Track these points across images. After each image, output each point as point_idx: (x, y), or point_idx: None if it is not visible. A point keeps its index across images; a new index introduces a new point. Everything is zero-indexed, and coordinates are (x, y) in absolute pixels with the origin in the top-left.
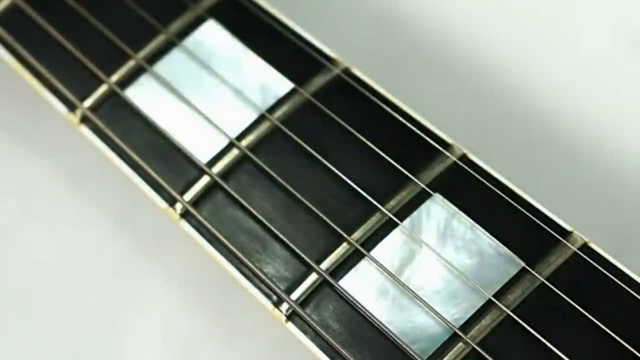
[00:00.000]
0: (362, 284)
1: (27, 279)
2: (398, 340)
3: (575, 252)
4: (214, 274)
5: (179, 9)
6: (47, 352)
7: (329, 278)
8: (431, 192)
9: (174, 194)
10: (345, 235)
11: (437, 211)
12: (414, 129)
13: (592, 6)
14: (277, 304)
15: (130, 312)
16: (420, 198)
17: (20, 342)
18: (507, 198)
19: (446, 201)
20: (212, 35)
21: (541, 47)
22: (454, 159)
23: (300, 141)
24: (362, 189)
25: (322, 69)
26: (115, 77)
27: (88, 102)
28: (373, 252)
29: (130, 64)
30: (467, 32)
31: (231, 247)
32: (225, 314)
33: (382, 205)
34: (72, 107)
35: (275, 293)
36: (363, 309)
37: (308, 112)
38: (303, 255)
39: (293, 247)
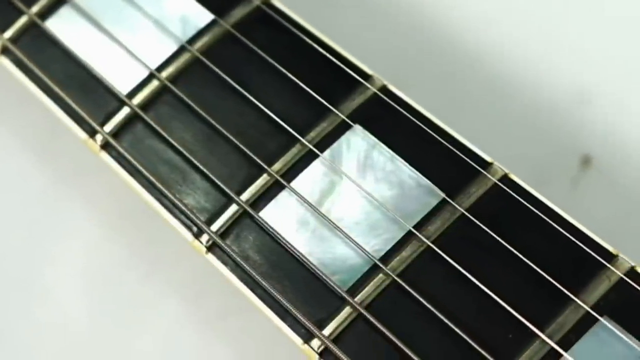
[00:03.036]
0: (282, 216)
1: None
2: (318, 272)
3: (496, 184)
4: (134, 205)
5: None
6: None
7: (249, 209)
8: (351, 123)
9: (94, 125)
10: (266, 167)
11: (357, 142)
12: (335, 60)
13: None
14: (197, 235)
15: (51, 243)
16: (341, 129)
17: None
18: (427, 129)
19: (366, 132)
20: None
21: None
22: (374, 90)
23: (220, 72)
24: (282, 120)
25: (242, 0)
26: (35, 9)
27: (8, 33)
28: (293, 184)
29: None
30: None
31: (151, 178)
32: (146, 246)
33: (303, 137)
34: None
35: (195, 224)
36: (283, 240)
37: (228, 44)
38: (223, 187)
39: (213, 178)
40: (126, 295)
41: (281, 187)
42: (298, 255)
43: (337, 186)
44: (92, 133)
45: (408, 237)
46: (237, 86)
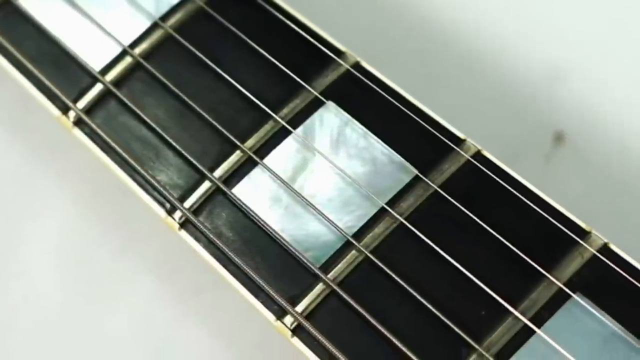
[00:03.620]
0: (255, 192)
1: None
2: (291, 248)
3: (469, 160)
4: (108, 182)
5: None
6: None
7: (222, 186)
8: (324, 100)
9: (67, 101)
10: (239, 143)
11: (330, 119)
12: (308, 37)
13: None
14: (170, 212)
15: (24, 220)
16: (314, 106)
17: None
18: (400, 106)
19: (339, 109)
20: None
21: None
22: (347, 66)
23: (193, 49)
24: (255, 97)
25: None
26: None
27: None
28: (266, 160)
29: None
30: None
31: (124, 154)
32: (119, 222)
33: (276, 113)
34: None
35: (168, 201)
36: (256, 217)
37: (202, 20)
38: (196, 163)
39: (186, 154)
40: (99, 272)
41: (254, 164)
42: (271, 232)
43: (310, 163)
44: (64, 110)
45: (381, 213)
46: (210, 63)
